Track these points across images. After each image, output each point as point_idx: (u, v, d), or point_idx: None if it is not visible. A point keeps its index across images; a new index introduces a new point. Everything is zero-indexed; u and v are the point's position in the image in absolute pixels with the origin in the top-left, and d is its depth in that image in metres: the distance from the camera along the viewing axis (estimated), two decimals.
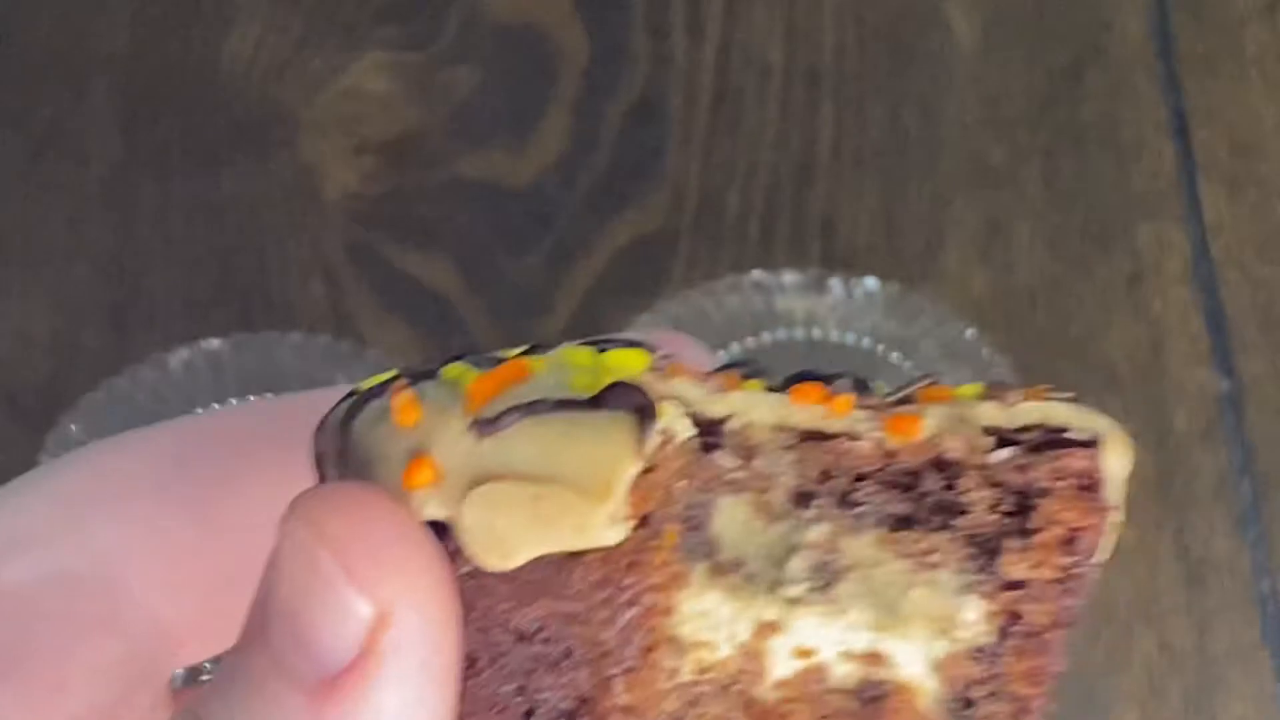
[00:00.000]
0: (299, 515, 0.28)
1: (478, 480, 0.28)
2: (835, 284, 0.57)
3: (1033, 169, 0.69)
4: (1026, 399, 0.32)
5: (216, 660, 0.32)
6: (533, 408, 0.29)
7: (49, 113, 0.71)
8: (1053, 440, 0.32)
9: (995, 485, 0.32)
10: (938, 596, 0.31)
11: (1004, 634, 0.32)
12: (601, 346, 0.30)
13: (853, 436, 0.31)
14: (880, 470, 0.32)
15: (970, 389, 0.32)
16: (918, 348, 0.55)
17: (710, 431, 0.31)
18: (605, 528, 0.28)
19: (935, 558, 0.31)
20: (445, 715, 0.28)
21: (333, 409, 0.32)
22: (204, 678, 0.39)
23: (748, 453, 0.31)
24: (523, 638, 0.29)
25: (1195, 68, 0.72)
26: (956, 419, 0.32)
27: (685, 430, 0.30)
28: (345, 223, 0.67)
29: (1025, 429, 0.32)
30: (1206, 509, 0.59)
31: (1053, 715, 0.34)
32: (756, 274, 0.57)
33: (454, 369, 0.30)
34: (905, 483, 0.32)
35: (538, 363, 0.30)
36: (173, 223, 0.68)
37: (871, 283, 0.57)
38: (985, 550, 0.32)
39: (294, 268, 0.66)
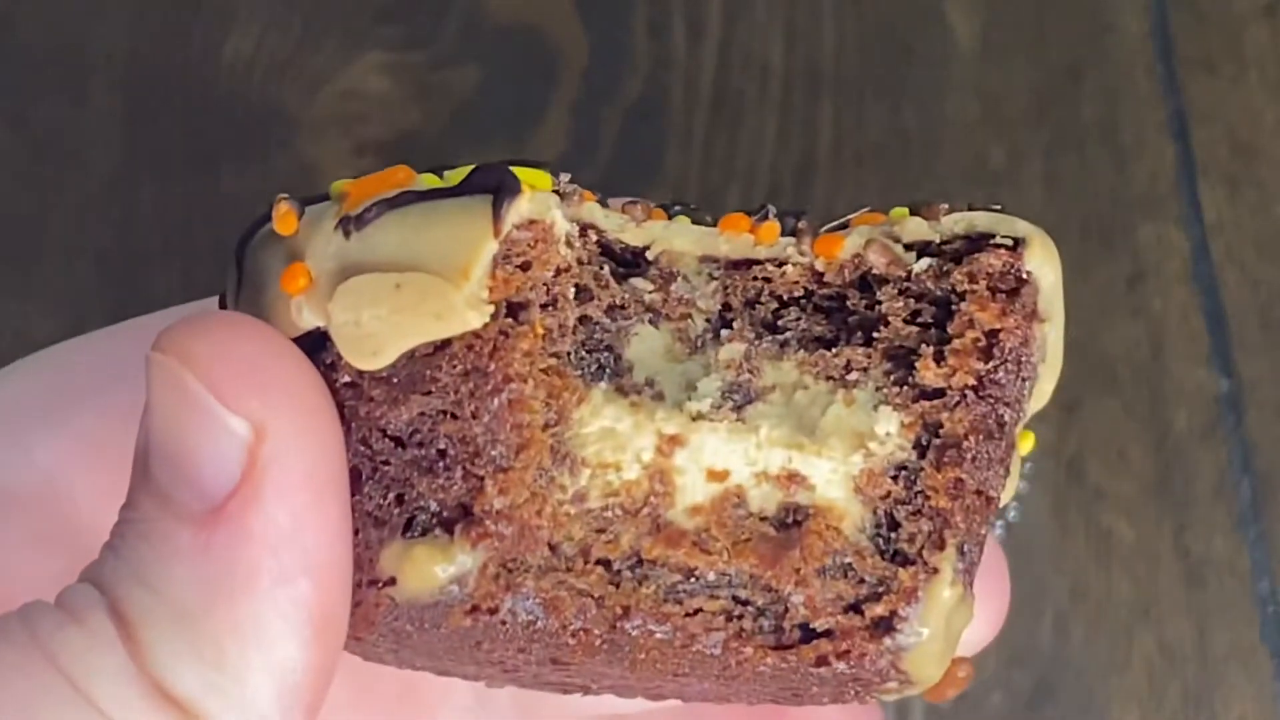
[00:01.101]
0: (163, 345, 0.27)
1: (344, 275, 0.28)
2: None
3: (1033, 169, 0.69)
4: (954, 211, 0.32)
5: None
6: (396, 200, 0.28)
7: (49, 113, 0.71)
8: (974, 247, 0.31)
9: (916, 296, 0.31)
10: (855, 412, 0.31)
11: (922, 448, 0.31)
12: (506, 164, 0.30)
13: (779, 262, 0.31)
14: (807, 295, 0.31)
15: (900, 210, 0.32)
16: None
17: (629, 260, 0.31)
18: (465, 310, 0.28)
19: (854, 375, 0.31)
20: (339, 526, 0.27)
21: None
22: None
23: (666, 279, 0.31)
24: (399, 443, 0.29)
25: (1195, 68, 0.72)
26: (881, 234, 0.31)
27: (563, 224, 0.29)
28: None
29: (950, 240, 0.31)
30: (1206, 509, 0.59)
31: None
32: None
33: (340, 184, 0.29)
34: (831, 307, 0.31)
35: (430, 177, 0.29)
36: (173, 223, 0.68)
37: None
38: (905, 363, 0.31)
39: None
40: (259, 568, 0.26)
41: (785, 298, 0.31)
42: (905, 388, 0.31)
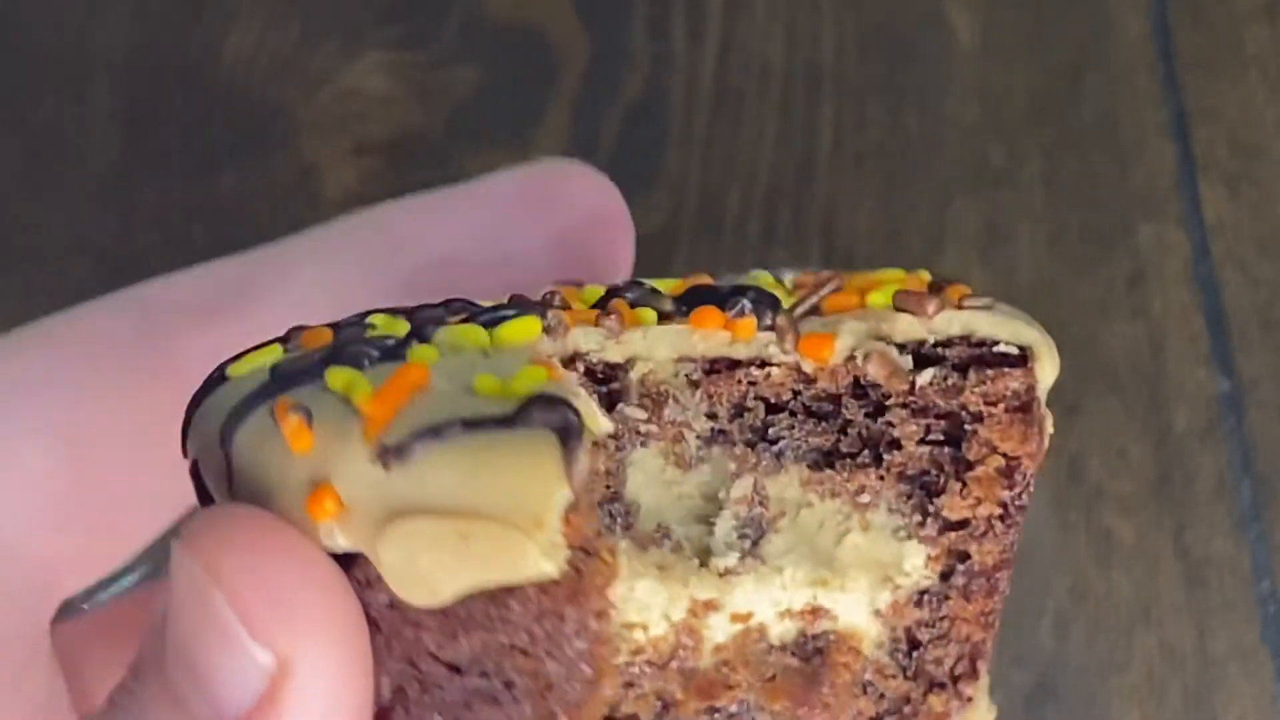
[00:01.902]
0: (190, 547, 0.26)
1: (391, 513, 0.26)
2: None
3: (1033, 169, 0.69)
4: (944, 308, 0.30)
5: (106, 584, 0.30)
6: (441, 433, 0.26)
7: (49, 113, 0.71)
8: (979, 356, 0.29)
9: (922, 412, 0.29)
10: (875, 541, 0.29)
11: (947, 576, 0.30)
12: (489, 320, 0.28)
13: (763, 362, 0.29)
14: (795, 398, 0.29)
15: (880, 295, 0.30)
16: None
17: (612, 378, 0.29)
18: (541, 561, 0.26)
19: (866, 497, 0.29)
20: None
21: (200, 399, 0.29)
22: (101, 595, 0.37)
23: (656, 401, 0.29)
24: (456, 670, 0.27)
25: (1195, 68, 0.72)
26: (873, 335, 0.29)
27: (603, 426, 0.28)
28: None
29: (948, 343, 0.30)
30: (1206, 509, 0.59)
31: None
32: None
33: (340, 376, 0.27)
34: (825, 411, 0.30)
35: (429, 352, 0.27)
36: (173, 223, 0.68)
37: None
38: (920, 485, 0.29)
39: None
40: None
41: (774, 402, 0.30)
42: (928, 518, 0.29)
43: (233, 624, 0.25)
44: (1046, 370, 0.30)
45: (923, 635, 0.30)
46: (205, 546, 0.26)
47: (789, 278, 0.32)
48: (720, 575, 0.29)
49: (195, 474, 0.29)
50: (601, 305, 0.30)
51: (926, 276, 0.31)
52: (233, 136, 0.70)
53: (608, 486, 0.29)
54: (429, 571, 0.26)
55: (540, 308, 0.28)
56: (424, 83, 0.72)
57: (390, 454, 0.26)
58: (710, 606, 0.29)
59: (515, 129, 0.71)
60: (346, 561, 0.27)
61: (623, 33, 0.74)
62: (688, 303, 0.30)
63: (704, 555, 0.29)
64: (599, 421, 0.27)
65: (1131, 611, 0.56)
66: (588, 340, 0.28)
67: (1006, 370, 0.29)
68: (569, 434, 0.26)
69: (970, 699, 0.29)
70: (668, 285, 0.31)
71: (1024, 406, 0.30)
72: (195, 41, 0.73)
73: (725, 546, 0.29)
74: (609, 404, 0.29)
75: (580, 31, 0.74)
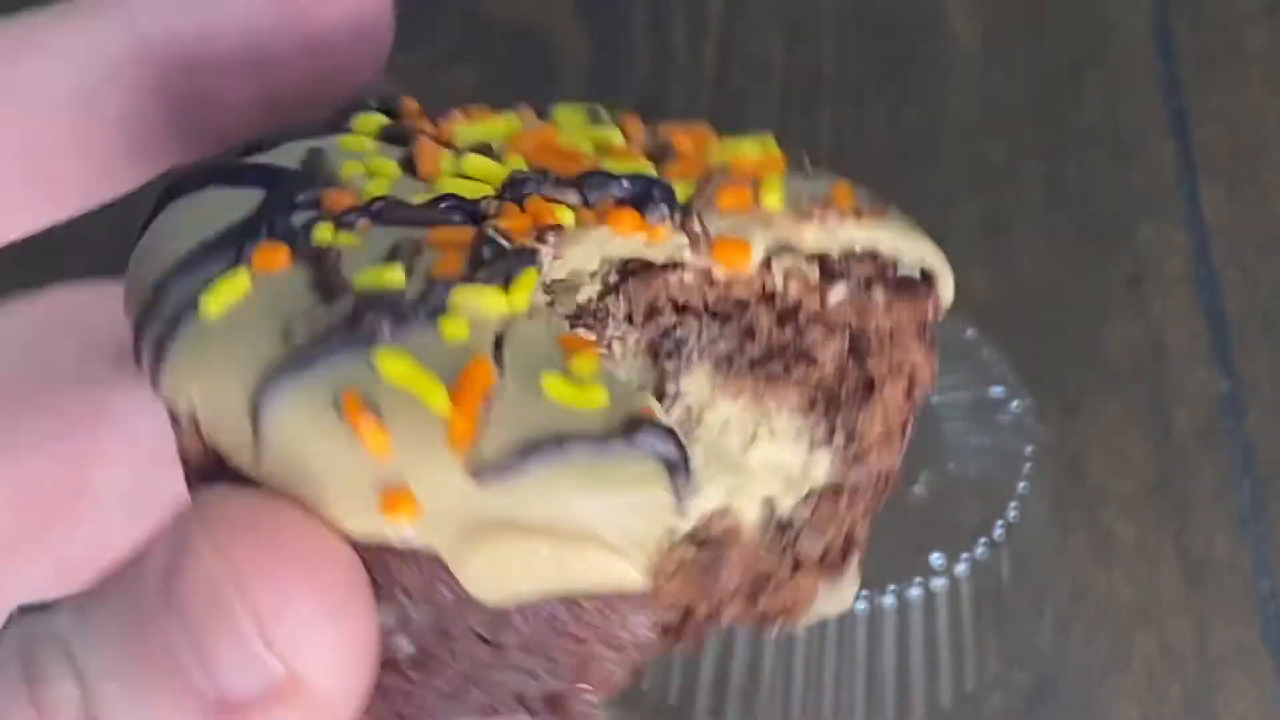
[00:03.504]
0: (211, 536, 0.25)
1: (484, 526, 0.25)
2: None
3: (1033, 169, 0.69)
4: (843, 216, 0.30)
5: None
6: (544, 448, 0.25)
7: None
8: (884, 274, 0.30)
9: (833, 329, 0.30)
10: (782, 449, 0.30)
11: (837, 483, 0.30)
12: (489, 276, 0.27)
13: (676, 264, 0.29)
14: (704, 303, 0.30)
15: (773, 195, 0.30)
16: None
17: (567, 303, 0.29)
18: (634, 581, 0.26)
19: (773, 403, 0.30)
20: None
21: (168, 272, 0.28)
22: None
23: (599, 319, 0.29)
24: (497, 645, 0.27)
25: (1195, 68, 0.72)
26: (781, 245, 0.30)
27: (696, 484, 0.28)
28: None
29: (853, 256, 0.30)
30: (1206, 509, 0.59)
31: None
32: None
33: (393, 364, 0.26)
34: (731, 315, 0.30)
35: (460, 327, 0.26)
36: None
37: None
38: (826, 397, 0.30)
39: None
40: None
41: (683, 304, 0.30)
42: (834, 430, 0.30)
43: (247, 629, 0.25)
44: (946, 291, 0.31)
45: (804, 524, 0.30)
46: (228, 541, 0.25)
47: (605, 118, 0.33)
48: None
49: (173, 420, 0.28)
50: (514, 199, 0.29)
51: (776, 151, 0.32)
52: None
53: None
54: (516, 581, 0.26)
55: (491, 237, 0.28)
56: (424, 83, 0.72)
57: (489, 471, 0.25)
58: None
59: None
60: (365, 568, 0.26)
61: (623, 33, 0.74)
62: (589, 189, 0.29)
63: None
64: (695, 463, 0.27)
65: (1131, 611, 0.56)
66: (546, 269, 0.29)
67: (913, 291, 0.30)
68: (677, 469, 0.26)
69: (840, 575, 0.30)
70: (537, 147, 0.32)
71: (925, 327, 0.30)
72: None
73: None
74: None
75: (580, 31, 0.74)
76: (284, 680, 0.25)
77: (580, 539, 0.25)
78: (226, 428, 0.27)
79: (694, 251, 0.29)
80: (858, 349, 0.30)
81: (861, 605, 0.49)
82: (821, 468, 0.30)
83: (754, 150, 0.32)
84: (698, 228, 0.29)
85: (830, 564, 0.30)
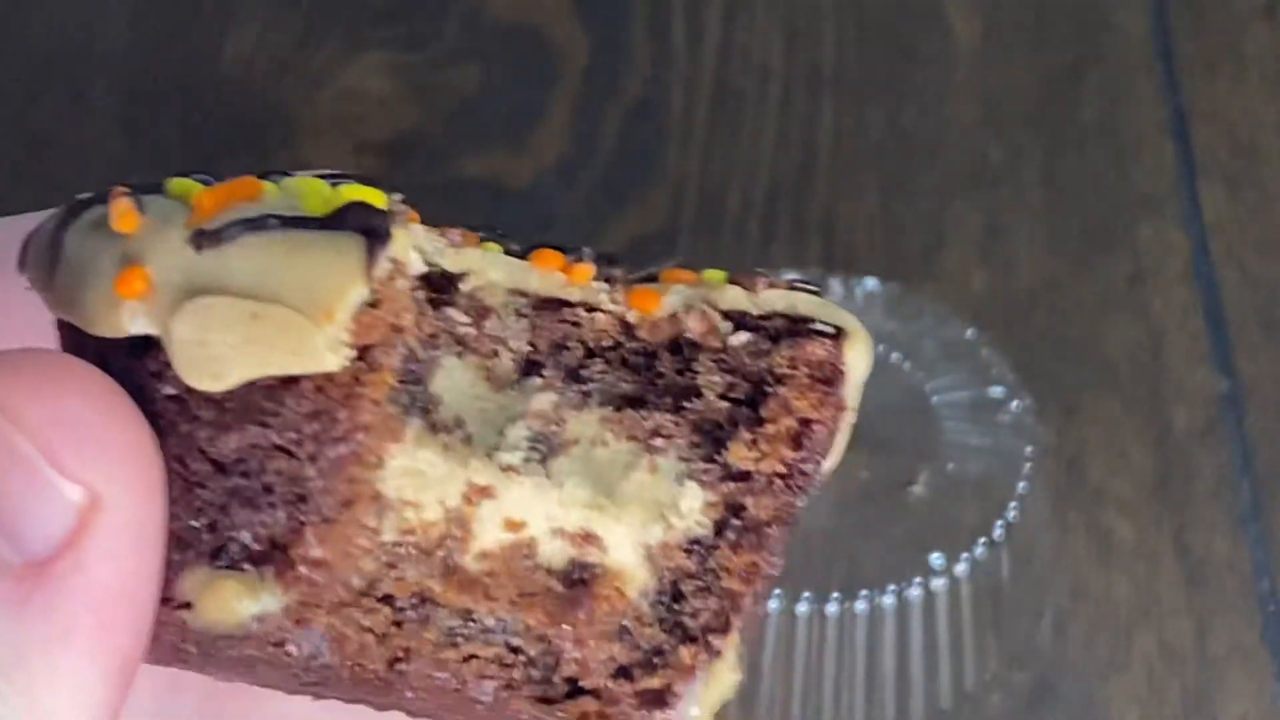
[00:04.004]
0: None
1: (192, 291, 0.27)
2: (835, 284, 0.57)
3: (1033, 169, 0.69)
4: (773, 287, 0.31)
5: None
6: (260, 222, 0.27)
7: (49, 113, 0.71)
8: (794, 329, 0.30)
9: (731, 371, 0.30)
10: (658, 482, 0.30)
11: (721, 527, 0.30)
12: (335, 181, 0.29)
13: (591, 307, 0.30)
14: (615, 347, 0.31)
15: (716, 273, 0.31)
16: (918, 348, 0.55)
17: (443, 287, 0.30)
18: (323, 352, 0.27)
19: (660, 441, 0.30)
20: (156, 577, 0.27)
21: (44, 223, 0.29)
22: None
23: (480, 313, 0.30)
24: (221, 469, 0.28)
25: (1195, 68, 0.72)
26: (700, 299, 0.31)
27: (417, 264, 0.29)
28: None
29: (769, 316, 0.31)
30: (1206, 509, 0.59)
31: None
32: None
33: (181, 183, 0.28)
34: (639, 363, 0.31)
35: (271, 186, 0.28)
36: None
37: (871, 283, 0.57)
38: (713, 438, 0.30)
39: None
40: (79, 624, 0.26)
41: (593, 347, 0.31)
42: (713, 465, 0.30)
43: (38, 463, 0.25)
44: (858, 354, 0.31)
45: (687, 587, 0.30)
46: (3, 393, 0.26)
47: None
48: (502, 469, 0.30)
49: (34, 288, 0.30)
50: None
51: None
52: (233, 136, 0.70)
53: (412, 370, 0.30)
54: (216, 352, 0.27)
55: (391, 193, 0.29)
56: (424, 83, 0.72)
57: (204, 237, 0.27)
58: (485, 493, 0.29)
59: (515, 129, 0.71)
60: (140, 353, 0.28)
61: (623, 33, 0.74)
62: (533, 248, 0.31)
63: (492, 454, 0.30)
64: (411, 251, 0.28)
65: (1131, 611, 0.56)
66: (428, 242, 0.30)
67: (819, 345, 0.30)
68: (375, 236, 0.27)
69: (719, 652, 0.30)
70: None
71: (827, 378, 0.30)
72: (195, 41, 0.73)
73: (513, 448, 0.30)
74: (435, 305, 0.30)
75: (580, 31, 0.74)
76: (84, 508, 0.26)
77: (273, 302, 0.27)
78: (38, 280, 0.29)
79: (611, 299, 0.30)
80: (752, 396, 0.31)
81: (862, 605, 0.49)
82: (694, 500, 0.30)
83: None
84: (619, 275, 0.30)
85: (711, 631, 0.30)
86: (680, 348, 0.31)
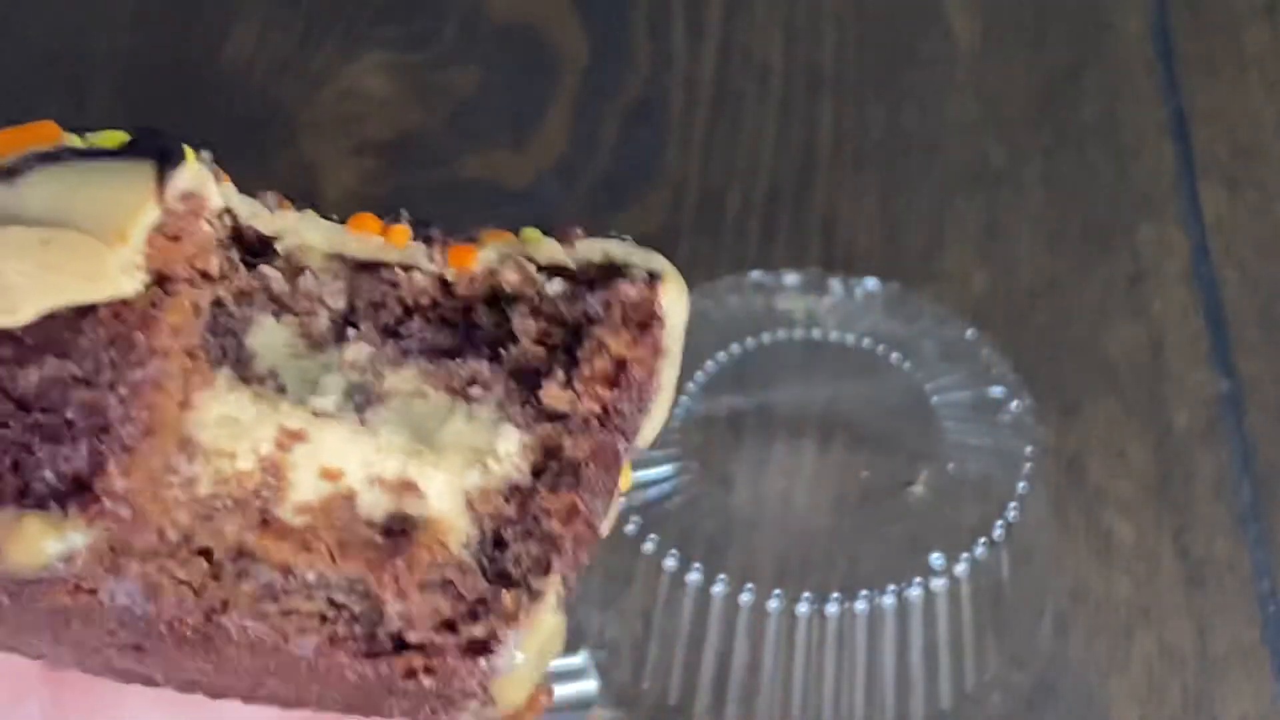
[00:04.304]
0: None
1: None
2: (835, 284, 0.57)
3: (1033, 169, 0.69)
4: (589, 237, 0.31)
5: None
6: (54, 155, 0.27)
7: (49, 113, 0.71)
8: (609, 275, 0.31)
9: (547, 317, 0.31)
10: (476, 428, 0.30)
11: (539, 470, 0.30)
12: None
13: (408, 267, 0.30)
14: (434, 305, 0.31)
15: (533, 231, 0.31)
16: (918, 348, 0.55)
17: (259, 249, 0.30)
18: (117, 275, 0.27)
19: (476, 390, 0.30)
20: None
21: None
22: None
23: (296, 273, 0.30)
24: (22, 406, 0.28)
25: (1195, 68, 0.72)
26: (516, 254, 0.31)
27: (218, 201, 0.29)
28: None
29: (584, 267, 0.31)
30: (1206, 509, 0.59)
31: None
32: (756, 274, 0.57)
33: None
34: (457, 319, 0.31)
35: (71, 135, 0.29)
36: None
37: (871, 283, 0.57)
38: (530, 383, 0.30)
39: None
40: None
41: (411, 304, 0.31)
42: (529, 408, 0.30)
43: None
44: (673, 297, 0.31)
45: (508, 533, 0.30)
46: None
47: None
48: (314, 414, 0.30)
49: None
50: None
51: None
52: (233, 136, 0.70)
53: (225, 325, 0.30)
54: (9, 283, 0.27)
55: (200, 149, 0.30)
56: (424, 83, 0.72)
57: (2, 174, 0.27)
58: (298, 438, 0.29)
59: (515, 129, 0.71)
60: None
61: (623, 33, 0.74)
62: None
63: (305, 400, 0.30)
64: (210, 183, 0.29)
65: (1131, 611, 0.56)
66: (242, 204, 0.30)
67: (635, 288, 0.31)
68: (166, 158, 0.28)
69: (541, 595, 0.30)
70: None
71: (642, 320, 0.30)
72: (195, 41, 0.73)
73: (326, 394, 0.30)
74: (250, 266, 0.30)
75: (580, 31, 0.74)
76: None
77: (65, 227, 0.27)
78: None
79: (429, 258, 0.31)
80: (569, 342, 0.31)
81: (862, 605, 0.49)
82: (510, 442, 0.30)
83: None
84: (437, 235, 0.31)
85: (532, 575, 0.30)
86: (498, 301, 0.31)
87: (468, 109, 0.71)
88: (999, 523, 0.51)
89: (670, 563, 0.49)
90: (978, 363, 0.55)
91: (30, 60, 0.72)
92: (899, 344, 0.55)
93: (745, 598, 0.49)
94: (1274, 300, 0.64)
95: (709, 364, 0.54)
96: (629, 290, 0.30)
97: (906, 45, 0.73)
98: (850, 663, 0.50)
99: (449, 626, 0.30)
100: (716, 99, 0.71)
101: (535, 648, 0.30)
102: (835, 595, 0.49)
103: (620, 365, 0.30)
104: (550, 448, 0.30)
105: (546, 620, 0.30)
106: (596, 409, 0.30)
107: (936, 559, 0.49)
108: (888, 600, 0.49)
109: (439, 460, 0.30)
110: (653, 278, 0.31)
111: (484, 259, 0.31)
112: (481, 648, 0.30)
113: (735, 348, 0.55)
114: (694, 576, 0.49)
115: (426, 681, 0.29)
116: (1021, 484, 0.51)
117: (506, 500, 0.30)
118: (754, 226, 0.67)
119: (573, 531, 0.30)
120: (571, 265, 0.31)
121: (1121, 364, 0.63)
